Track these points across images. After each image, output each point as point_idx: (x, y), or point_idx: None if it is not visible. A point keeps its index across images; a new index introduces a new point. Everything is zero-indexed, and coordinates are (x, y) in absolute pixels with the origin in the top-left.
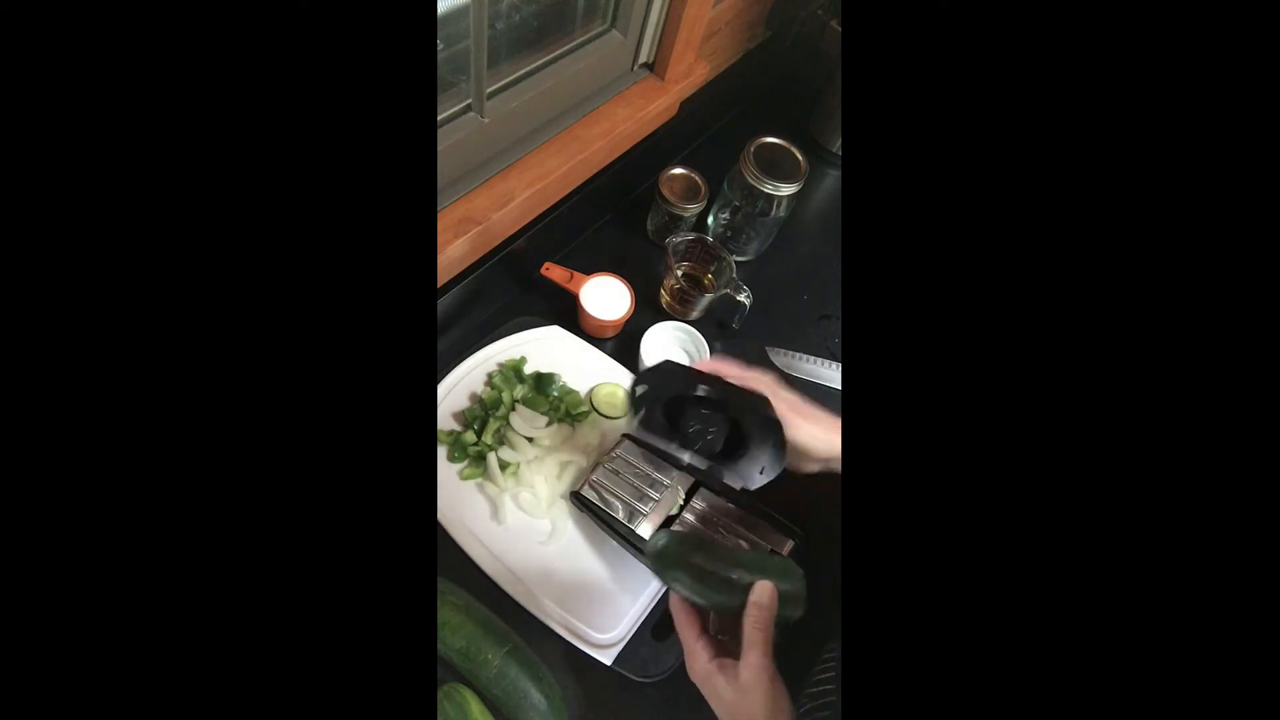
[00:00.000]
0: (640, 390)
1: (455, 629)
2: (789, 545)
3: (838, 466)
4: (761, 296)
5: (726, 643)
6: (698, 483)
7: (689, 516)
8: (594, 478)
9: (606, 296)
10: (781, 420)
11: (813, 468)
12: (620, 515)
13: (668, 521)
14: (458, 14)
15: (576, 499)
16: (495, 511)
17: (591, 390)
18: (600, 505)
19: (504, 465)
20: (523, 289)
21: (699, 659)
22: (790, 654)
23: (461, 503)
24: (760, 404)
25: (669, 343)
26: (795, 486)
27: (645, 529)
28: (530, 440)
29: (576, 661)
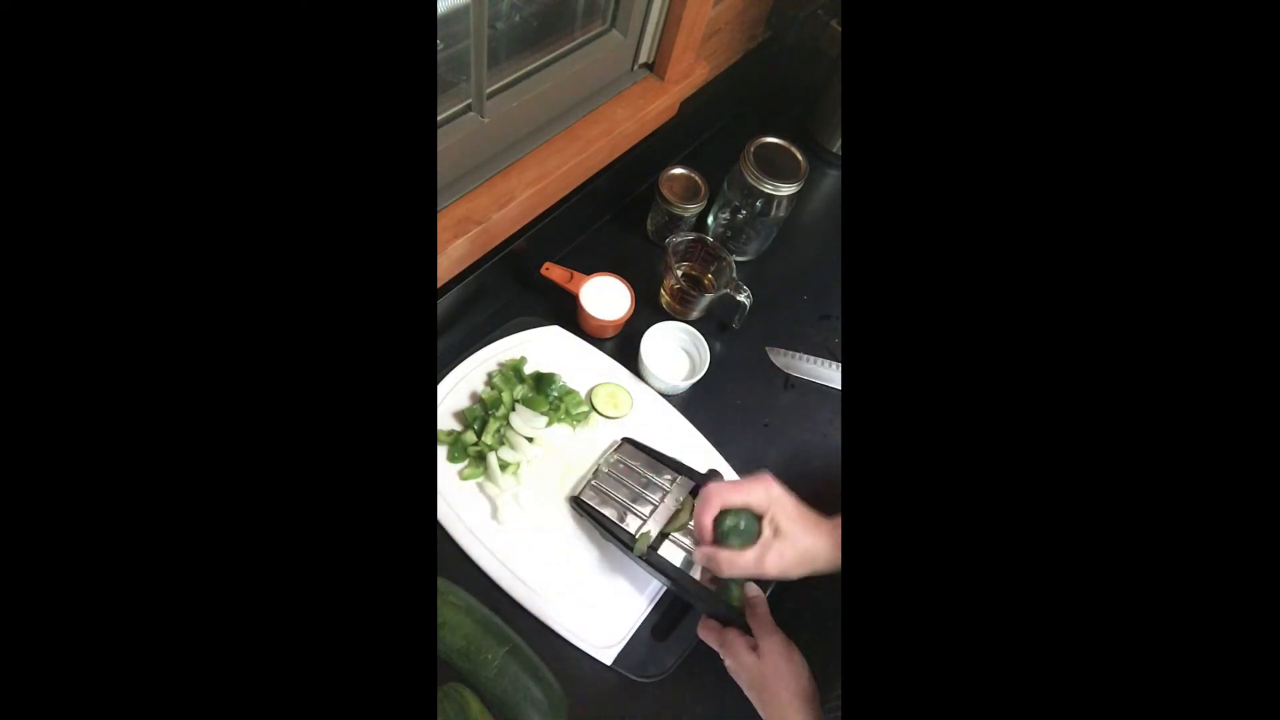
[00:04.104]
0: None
1: (455, 629)
2: None
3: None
4: (761, 296)
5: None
6: (698, 486)
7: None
8: (594, 482)
9: (606, 296)
10: (781, 530)
11: (820, 569)
12: (621, 520)
13: (667, 533)
14: (458, 14)
15: (577, 504)
16: (495, 511)
17: (591, 390)
18: (600, 510)
19: (504, 465)
20: (523, 289)
21: (732, 638)
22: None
23: (461, 503)
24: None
25: (669, 343)
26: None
27: (645, 533)
28: (530, 440)
29: (576, 661)
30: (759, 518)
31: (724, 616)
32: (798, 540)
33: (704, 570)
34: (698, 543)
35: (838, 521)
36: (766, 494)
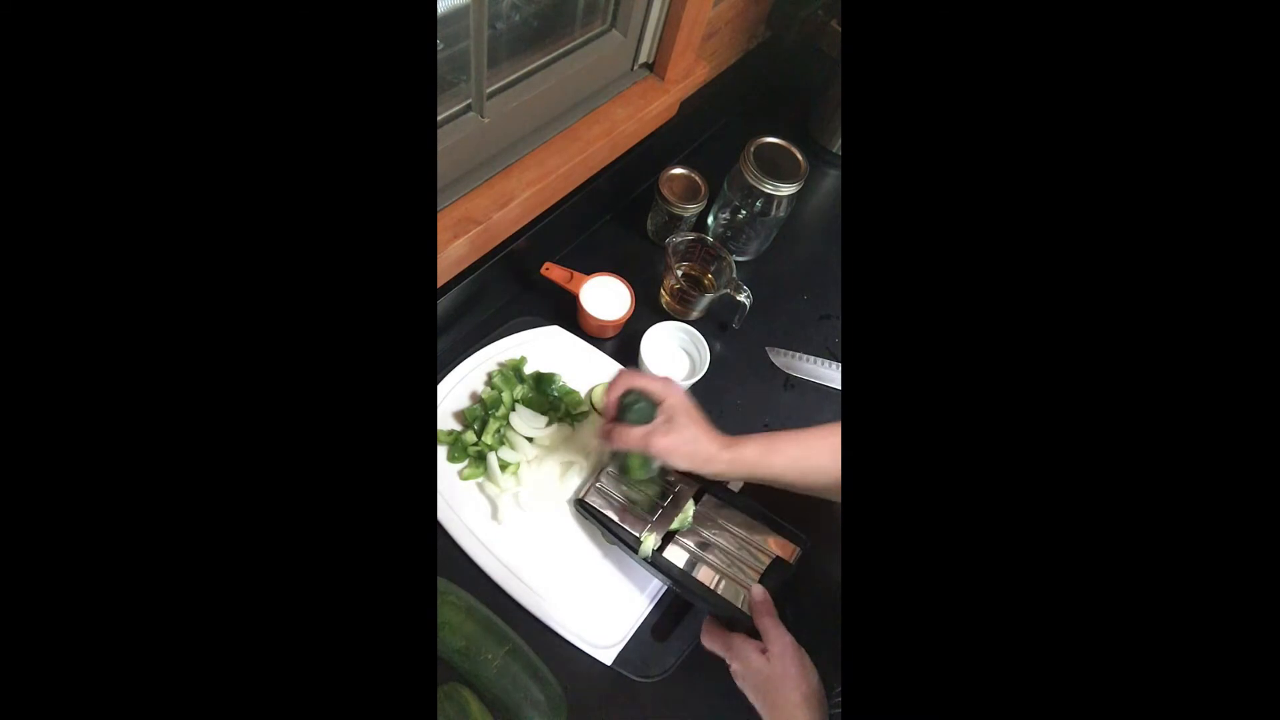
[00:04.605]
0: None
1: (455, 629)
2: (795, 551)
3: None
4: (761, 296)
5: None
6: (702, 488)
7: (693, 523)
8: (598, 485)
9: (606, 296)
10: (653, 451)
11: (681, 464)
12: (625, 522)
13: (670, 535)
14: (458, 14)
15: (581, 506)
16: (495, 511)
17: (591, 390)
18: (605, 512)
19: (504, 465)
20: (523, 289)
21: (739, 643)
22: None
23: (461, 503)
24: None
25: (669, 343)
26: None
27: (651, 535)
28: (530, 440)
29: (576, 661)
30: (656, 408)
31: (731, 616)
32: (685, 431)
33: (708, 570)
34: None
35: (731, 440)
36: (666, 389)
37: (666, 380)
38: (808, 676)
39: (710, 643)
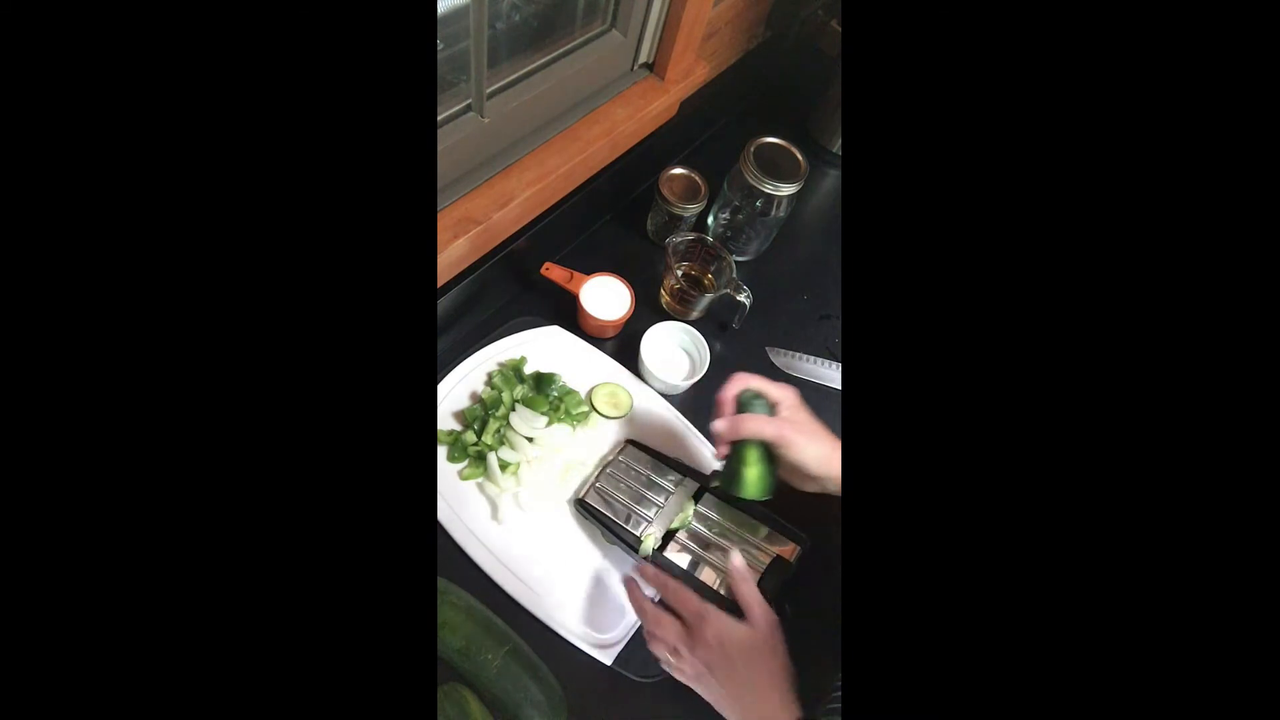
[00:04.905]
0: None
1: (455, 629)
2: (794, 550)
3: (835, 488)
4: (761, 296)
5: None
6: (702, 488)
7: (694, 523)
8: (597, 484)
9: (606, 296)
10: (784, 439)
11: (811, 486)
12: (625, 523)
13: (671, 534)
14: (458, 14)
15: (581, 506)
16: (495, 511)
17: (591, 390)
18: (604, 512)
19: (504, 465)
20: (523, 289)
21: (712, 610)
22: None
23: (461, 503)
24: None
25: (669, 343)
26: (800, 492)
27: (651, 535)
28: (530, 440)
29: (576, 661)
30: (773, 408)
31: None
32: (808, 425)
33: (711, 571)
34: (717, 416)
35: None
36: (781, 391)
37: (787, 386)
38: (786, 649)
39: (662, 625)
